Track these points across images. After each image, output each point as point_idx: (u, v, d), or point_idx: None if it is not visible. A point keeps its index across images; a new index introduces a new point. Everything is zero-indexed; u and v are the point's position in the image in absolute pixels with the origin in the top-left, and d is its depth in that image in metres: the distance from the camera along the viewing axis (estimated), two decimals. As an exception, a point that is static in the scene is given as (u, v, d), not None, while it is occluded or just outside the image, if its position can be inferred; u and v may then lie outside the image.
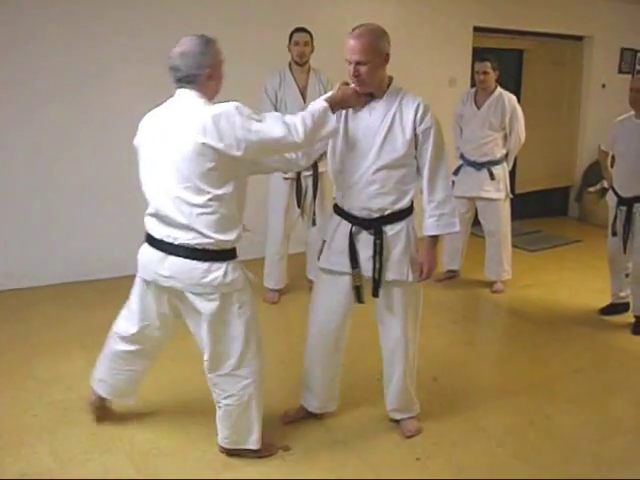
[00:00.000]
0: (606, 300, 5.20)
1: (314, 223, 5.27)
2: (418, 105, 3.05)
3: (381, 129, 3.03)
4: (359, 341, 4.41)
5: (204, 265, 2.83)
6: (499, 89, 5.49)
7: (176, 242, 2.84)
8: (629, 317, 4.98)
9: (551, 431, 3.51)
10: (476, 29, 7.33)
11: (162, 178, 2.85)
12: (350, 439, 3.37)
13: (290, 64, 5.11)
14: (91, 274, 5.61)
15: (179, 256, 2.85)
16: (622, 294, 5.10)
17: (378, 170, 3.05)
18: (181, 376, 3.96)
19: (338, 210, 3.24)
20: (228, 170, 2.79)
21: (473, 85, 5.82)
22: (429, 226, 3.15)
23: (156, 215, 2.92)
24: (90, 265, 5.61)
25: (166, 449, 3.25)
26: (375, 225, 3.13)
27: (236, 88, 5.84)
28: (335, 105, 2.95)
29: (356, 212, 3.15)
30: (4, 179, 5.31)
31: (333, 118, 2.94)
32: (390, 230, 3.14)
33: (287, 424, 3.48)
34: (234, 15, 5.89)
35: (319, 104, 2.93)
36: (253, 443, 3.13)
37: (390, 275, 3.16)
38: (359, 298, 3.24)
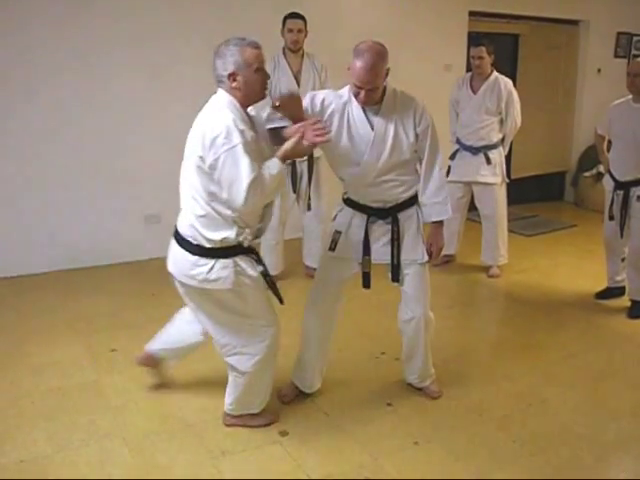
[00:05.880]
0: (602, 284, 5.20)
1: (309, 208, 5.26)
2: (415, 107, 3.21)
3: (387, 137, 3.17)
4: (354, 324, 4.43)
5: (192, 258, 2.90)
6: (495, 73, 5.47)
7: (179, 230, 2.94)
8: (625, 301, 5.00)
9: (548, 414, 3.52)
10: (471, 13, 7.30)
11: (184, 169, 2.92)
12: (348, 423, 3.37)
13: (284, 49, 5.09)
14: (80, 262, 5.59)
15: (177, 243, 2.95)
16: (618, 278, 5.11)
17: (389, 171, 3.24)
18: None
19: (352, 203, 3.40)
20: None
21: (469, 70, 5.79)
22: (425, 214, 3.36)
23: None
24: (79, 253, 5.59)
25: (163, 434, 3.25)
26: (391, 213, 3.33)
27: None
28: (285, 157, 2.91)
29: (371, 204, 3.34)
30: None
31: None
32: (403, 216, 3.35)
33: (287, 404, 3.54)
34: (227, -1, 5.87)
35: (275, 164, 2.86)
36: (255, 407, 3.29)
37: (408, 256, 3.36)
38: (367, 283, 3.41)
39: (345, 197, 3.44)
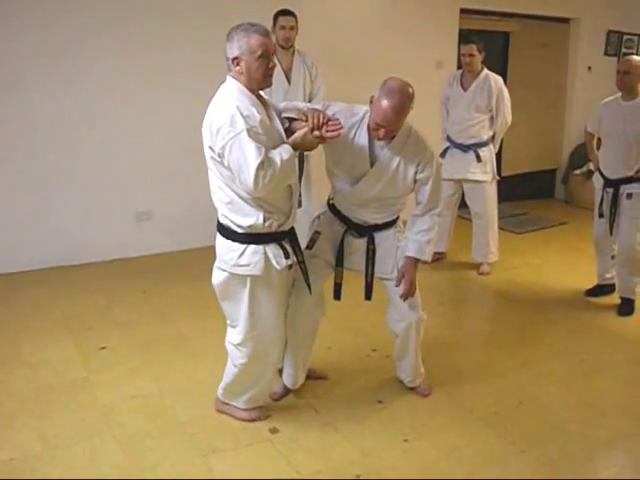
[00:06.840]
0: (592, 282, 5.22)
1: (299, 205, 5.25)
2: (422, 155, 3.18)
3: (386, 173, 3.17)
4: (344, 321, 4.43)
5: (227, 243, 2.97)
6: (485, 71, 5.47)
7: (219, 218, 3.02)
8: (615, 298, 5.01)
9: (538, 412, 3.53)
10: (462, 11, 7.29)
11: (207, 160, 2.95)
12: (338, 421, 3.37)
13: (274, 46, 5.06)
14: (76, 259, 5.57)
15: (217, 230, 3.05)
16: (608, 275, 5.12)
17: (377, 200, 3.27)
18: (168, 359, 3.96)
19: (335, 210, 3.42)
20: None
21: (460, 67, 5.80)
22: (408, 248, 3.32)
23: None
24: (70, 250, 5.56)
25: (153, 432, 3.24)
26: (368, 231, 3.37)
27: (220, 71, 5.84)
28: (295, 146, 2.92)
29: (352, 219, 3.37)
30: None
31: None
32: (379, 235, 3.39)
33: (276, 401, 3.54)
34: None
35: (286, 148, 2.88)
36: (241, 403, 3.34)
37: (381, 270, 3.39)
38: (338, 295, 3.46)
39: (330, 203, 3.45)
